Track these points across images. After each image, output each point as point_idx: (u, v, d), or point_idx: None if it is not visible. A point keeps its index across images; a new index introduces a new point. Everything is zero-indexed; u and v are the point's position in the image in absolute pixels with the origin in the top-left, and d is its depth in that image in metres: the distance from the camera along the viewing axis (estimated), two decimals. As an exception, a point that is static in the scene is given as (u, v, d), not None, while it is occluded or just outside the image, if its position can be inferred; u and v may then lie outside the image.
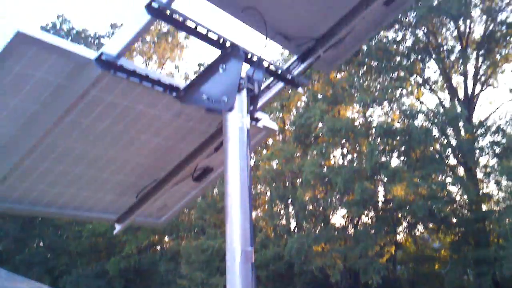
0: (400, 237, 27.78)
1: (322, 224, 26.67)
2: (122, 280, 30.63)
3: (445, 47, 25.13)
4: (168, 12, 2.16)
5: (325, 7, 2.70)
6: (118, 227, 3.53)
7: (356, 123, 26.14)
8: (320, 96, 26.43)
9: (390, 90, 24.18)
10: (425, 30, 24.89)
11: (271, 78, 2.92)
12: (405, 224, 26.54)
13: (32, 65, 2.25)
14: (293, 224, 29.42)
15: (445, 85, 25.52)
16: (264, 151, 28.71)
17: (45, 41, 2.17)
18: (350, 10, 2.72)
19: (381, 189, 26.14)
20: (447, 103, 24.74)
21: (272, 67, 2.74)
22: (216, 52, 2.44)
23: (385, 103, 25.26)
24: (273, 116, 28.63)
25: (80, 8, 57.90)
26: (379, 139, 24.14)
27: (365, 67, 25.34)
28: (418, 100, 26.21)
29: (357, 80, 25.57)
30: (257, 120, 3.08)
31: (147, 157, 3.16)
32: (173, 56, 37.61)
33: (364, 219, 26.71)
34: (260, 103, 2.88)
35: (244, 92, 2.35)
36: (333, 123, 23.55)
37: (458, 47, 24.79)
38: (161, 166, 3.28)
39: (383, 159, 24.12)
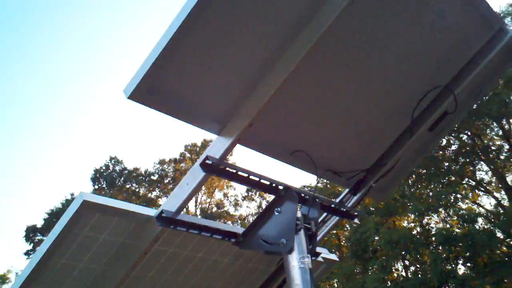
0: None
1: None
2: None
3: (493, 148, 24.79)
4: (221, 166, 2.27)
5: (371, 140, 2.77)
6: None
7: (414, 233, 25.35)
8: (372, 209, 26.02)
9: (443, 196, 23.66)
10: (469, 133, 24.78)
11: (326, 213, 2.94)
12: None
13: (96, 229, 2.35)
14: None
15: (500, 185, 24.81)
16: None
17: (108, 206, 2.29)
18: (396, 140, 2.79)
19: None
20: (506, 203, 23.89)
21: (326, 203, 2.77)
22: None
23: (441, 210, 24.60)
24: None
25: (131, 148, 60.75)
26: (440, 247, 23.20)
27: (414, 176, 25.09)
28: (475, 203, 25.44)
29: (408, 189, 25.22)
30: (317, 255, 3.07)
31: (210, 303, 3.14)
32: (221, 185, 38.30)
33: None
34: (318, 238, 2.88)
35: (302, 232, 2.36)
36: (390, 235, 22.94)
37: (506, 146, 24.42)
38: (224, 311, 3.24)
39: (448, 267, 22.98)
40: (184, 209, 2.57)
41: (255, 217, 2.54)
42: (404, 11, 2.36)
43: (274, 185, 2.47)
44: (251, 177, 2.39)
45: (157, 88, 1.94)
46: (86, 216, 2.28)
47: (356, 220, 3.02)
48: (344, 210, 2.89)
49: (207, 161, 2.22)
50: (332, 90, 2.48)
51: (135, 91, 1.86)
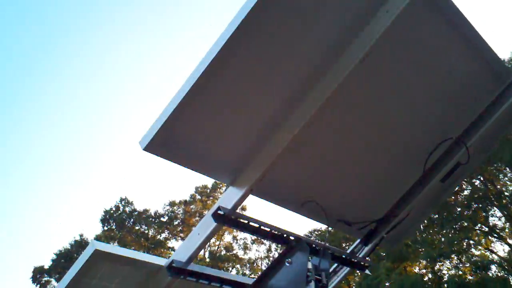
0: None
1: None
2: None
3: (506, 193, 24.54)
4: (233, 217, 2.27)
5: (383, 190, 2.77)
6: None
7: (426, 279, 24.86)
8: (383, 254, 25.62)
9: (456, 242, 23.30)
10: (482, 179, 24.58)
11: (336, 264, 2.91)
12: None
13: (107, 278, 2.35)
14: None
15: (514, 231, 24.45)
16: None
17: (119, 255, 2.29)
18: (408, 190, 2.78)
19: None
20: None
21: (337, 253, 2.75)
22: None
23: (453, 256, 24.18)
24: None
25: (141, 189, 60.77)
26: (453, 294, 22.67)
27: (426, 221, 24.77)
28: (488, 250, 24.99)
29: (419, 234, 24.87)
30: (327, 306, 3.02)
31: None
32: (231, 229, 38.00)
33: None
34: (329, 289, 2.84)
35: (312, 284, 2.34)
36: (401, 281, 22.48)
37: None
38: None
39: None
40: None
41: (266, 266, 2.52)
42: (418, 65, 2.40)
43: (285, 235, 2.46)
44: (262, 227, 2.39)
45: (172, 141, 1.97)
46: (97, 265, 2.28)
47: (367, 271, 2.98)
48: (356, 260, 2.86)
49: (219, 212, 2.22)
50: (345, 141, 2.50)
51: (150, 144, 1.90)
